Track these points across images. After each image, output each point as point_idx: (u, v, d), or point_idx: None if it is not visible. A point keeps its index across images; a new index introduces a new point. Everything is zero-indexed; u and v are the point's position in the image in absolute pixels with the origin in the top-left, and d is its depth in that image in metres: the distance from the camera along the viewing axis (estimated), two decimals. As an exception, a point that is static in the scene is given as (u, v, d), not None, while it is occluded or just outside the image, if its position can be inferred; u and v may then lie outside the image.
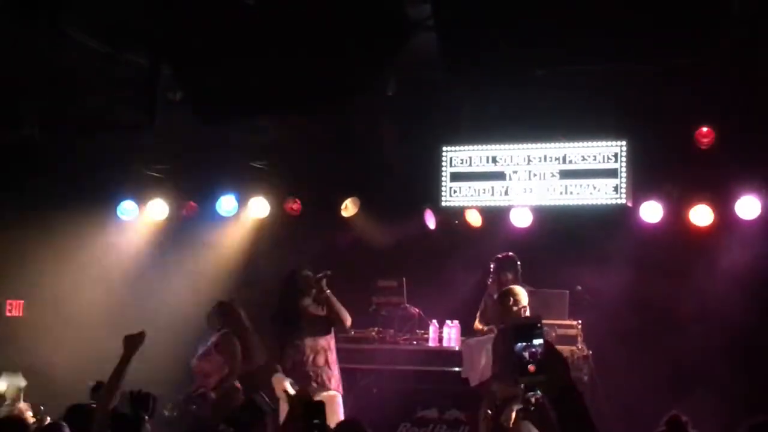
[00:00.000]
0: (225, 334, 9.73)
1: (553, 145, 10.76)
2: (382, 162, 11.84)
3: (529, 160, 10.87)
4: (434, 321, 11.29)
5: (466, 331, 11.05)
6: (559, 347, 10.51)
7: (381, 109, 10.83)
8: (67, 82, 9.85)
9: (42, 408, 9.20)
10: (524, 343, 3.43)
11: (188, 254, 12.81)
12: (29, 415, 8.90)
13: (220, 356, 9.64)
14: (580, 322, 10.84)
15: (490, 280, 10.90)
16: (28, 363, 11.15)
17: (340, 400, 9.69)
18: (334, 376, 9.73)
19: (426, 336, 11.30)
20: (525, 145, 10.92)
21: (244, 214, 12.81)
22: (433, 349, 11.15)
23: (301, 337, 9.65)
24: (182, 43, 8.38)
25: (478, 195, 11.11)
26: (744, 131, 10.49)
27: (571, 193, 10.72)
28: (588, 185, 10.63)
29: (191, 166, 12.69)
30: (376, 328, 11.45)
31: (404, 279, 11.60)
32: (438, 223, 12.13)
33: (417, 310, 11.52)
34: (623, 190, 10.50)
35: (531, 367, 3.41)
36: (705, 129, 10.79)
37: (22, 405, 9.82)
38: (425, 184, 11.49)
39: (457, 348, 10.92)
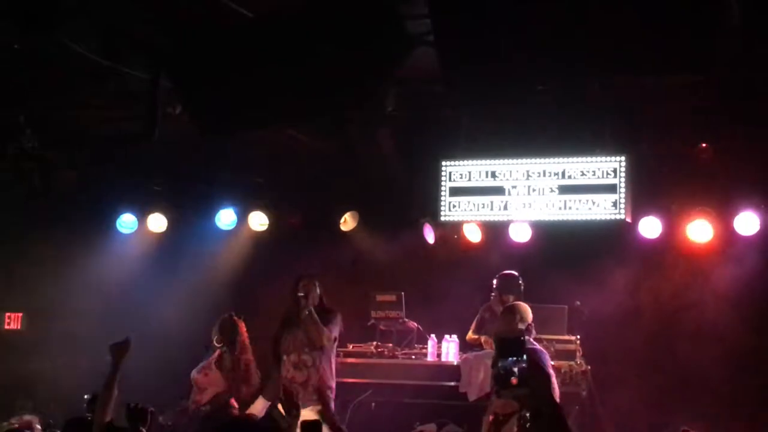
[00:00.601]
0: (226, 352, 9.71)
1: (552, 160, 10.77)
2: (382, 176, 11.84)
3: (528, 175, 10.87)
4: (433, 335, 11.28)
5: (465, 345, 11.04)
6: (557, 362, 10.54)
7: (380, 123, 10.84)
8: (67, 95, 9.89)
9: (51, 421, 9.20)
10: (514, 358, 3.44)
11: (187, 268, 12.80)
12: (38, 428, 8.90)
13: (218, 372, 9.63)
14: (578, 337, 10.83)
15: (493, 295, 10.88)
16: (27, 376, 11.16)
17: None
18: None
19: (425, 350, 11.29)
20: (524, 160, 10.93)
21: (243, 227, 12.80)
22: (431, 364, 11.14)
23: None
24: (182, 56, 8.40)
25: (477, 210, 11.10)
26: (743, 146, 10.51)
27: (570, 208, 10.72)
28: (587, 200, 10.63)
29: (191, 179, 12.69)
30: (374, 342, 11.45)
31: (403, 293, 11.59)
32: (437, 238, 12.13)
33: (416, 325, 11.51)
34: (622, 206, 10.49)
35: (513, 380, 3.43)
36: (704, 145, 10.81)
37: (30, 417, 9.82)
38: (424, 198, 11.49)
39: (455, 362, 10.90)
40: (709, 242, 11.09)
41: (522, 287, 10.74)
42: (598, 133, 10.38)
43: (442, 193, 11.16)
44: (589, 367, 10.71)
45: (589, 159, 10.66)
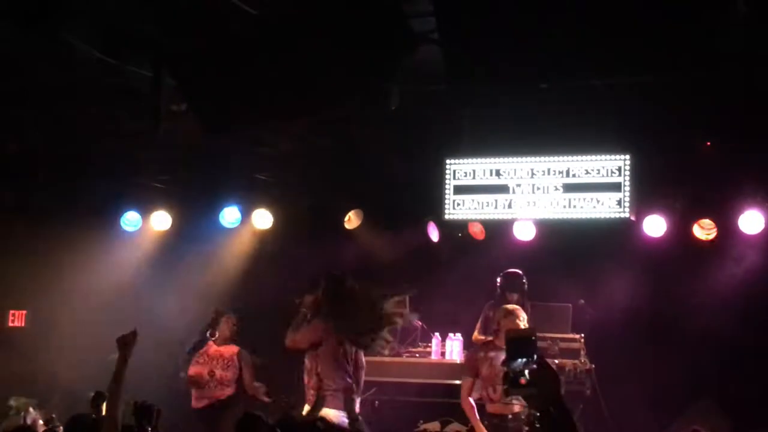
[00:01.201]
0: (242, 350, 9.82)
1: (556, 158, 10.76)
2: (386, 174, 11.84)
3: (533, 174, 10.86)
4: (437, 334, 11.28)
5: (469, 343, 11.03)
6: (561, 361, 10.54)
7: (384, 121, 10.83)
8: (71, 93, 9.88)
9: (54, 416, 9.20)
10: (524, 359, 3.42)
11: (191, 265, 12.80)
12: (41, 424, 8.92)
13: (237, 370, 9.72)
14: (582, 335, 10.83)
15: (498, 293, 10.88)
16: (31, 373, 11.18)
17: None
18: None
19: (429, 348, 11.30)
20: (528, 159, 10.93)
21: (247, 225, 12.81)
22: (435, 362, 11.15)
23: None
24: (186, 53, 8.40)
25: (482, 208, 11.09)
26: (747, 145, 10.48)
27: (575, 206, 10.71)
28: (591, 199, 10.62)
29: (195, 177, 12.69)
30: (378, 341, 11.45)
31: (407, 291, 11.59)
32: (441, 236, 12.13)
33: (420, 323, 11.51)
34: (626, 204, 10.48)
35: (522, 380, 3.41)
36: (708, 143, 10.80)
37: (34, 414, 9.84)
38: (429, 196, 11.49)
39: (459, 361, 10.90)
40: (714, 240, 11.08)
41: (526, 285, 10.75)
42: (601, 131, 10.37)
43: (447, 192, 11.16)
44: (593, 366, 10.71)
45: (593, 157, 10.65)
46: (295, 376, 9.52)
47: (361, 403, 10.05)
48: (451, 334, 11.18)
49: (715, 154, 10.77)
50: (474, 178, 11.08)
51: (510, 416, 8.71)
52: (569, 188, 10.70)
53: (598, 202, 10.60)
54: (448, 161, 11.13)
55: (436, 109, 10.60)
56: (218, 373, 9.80)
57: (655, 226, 11.11)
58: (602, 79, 8.86)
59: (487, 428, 8.81)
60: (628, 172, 10.48)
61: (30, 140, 11.11)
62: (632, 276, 11.32)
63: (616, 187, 10.52)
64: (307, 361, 9.09)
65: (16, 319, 13.30)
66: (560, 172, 10.76)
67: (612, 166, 10.54)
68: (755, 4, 7.30)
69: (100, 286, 12.68)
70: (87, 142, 11.35)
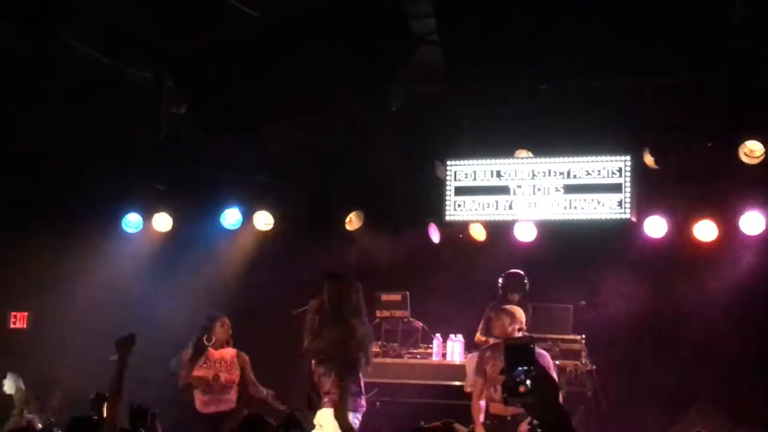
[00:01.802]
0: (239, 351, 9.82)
1: (557, 159, 10.76)
2: (387, 176, 11.83)
3: (534, 175, 10.86)
4: (438, 335, 11.27)
5: (470, 344, 11.02)
6: (562, 362, 10.52)
7: (385, 122, 10.84)
8: (72, 95, 9.89)
9: (51, 420, 9.20)
10: (525, 368, 3.43)
11: (193, 267, 12.79)
12: (38, 426, 8.91)
13: (239, 371, 9.72)
14: (583, 336, 10.82)
15: (500, 293, 10.88)
16: (32, 374, 11.17)
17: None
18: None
19: (430, 350, 11.29)
20: (529, 160, 10.93)
21: (248, 227, 12.80)
22: (436, 363, 11.13)
23: None
24: (186, 53, 8.41)
25: (483, 209, 11.10)
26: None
27: (575, 207, 10.71)
28: (592, 200, 10.62)
29: (196, 178, 12.68)
30: (379, 342, 11.42)
31: (408, 293, 11.59)
32: (442, 237, 12.12)
33: (421, 324, 11.51)
34: (627, 205, 10.49)
35: (521, 389, 3.41)
36: (709, 144, 10.79)
37: (30, 416, 9.85)
38: (429, 198, 11.49)
39: (460, 362, 10.89)
40: (715, 242, 11.07)
41: (527, 286, 10.74)
42: (602, 132, 10.37)
43: (447, 193, 11.16)
44: (594, 367, 10.70)
45: (594, 158, 10.65)
46: (295, 377, 9.55)
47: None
48: (452, 336, 11.17)
49: (716, 154, 10.75)
50: (475, 179, 11.09)
51: (509, 418, 8.73)
52: (570, 189, 10.71)
53: (598, 203, 10.60)
54: (449, 162, 11.14)
55: (436, 110, 10.62)
56: (223, 376, 9.78)
57: (656, 227, 11.10)
58: (602, 80, 8.86)
59: (487, 428, 8.82)
60: (629, 173, 10.49)
61: (30, 140, 11.10)
62: (633, 277, 11.30)
63: (617, 188, 10.52)
64: (319, 366, 9.13)
65: (18, 320, 13.30)
66: (561, 173, 10.76)
67: (613, 167, 10.54)
68: (754, 4, 7.31)
69: (101, 287, 12.68)
70: (87, 143, 11.35)
